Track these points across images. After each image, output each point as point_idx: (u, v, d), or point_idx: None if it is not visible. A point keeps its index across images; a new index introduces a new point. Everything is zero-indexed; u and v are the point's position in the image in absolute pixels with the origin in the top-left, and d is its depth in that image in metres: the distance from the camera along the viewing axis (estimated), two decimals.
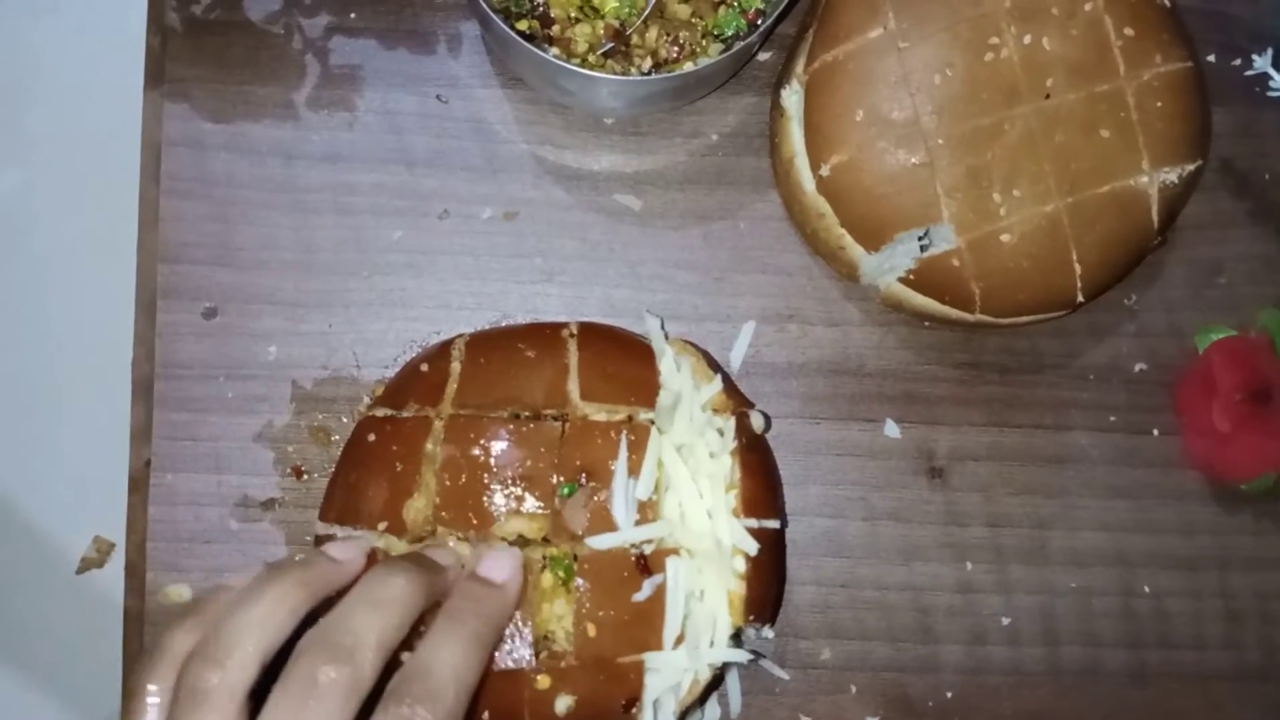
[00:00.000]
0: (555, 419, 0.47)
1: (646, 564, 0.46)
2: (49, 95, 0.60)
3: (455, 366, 0.50)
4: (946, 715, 0.55)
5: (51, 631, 0.58)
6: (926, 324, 0.56)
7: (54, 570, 0.58)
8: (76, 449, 0.58)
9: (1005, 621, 0.56)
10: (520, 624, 0.45)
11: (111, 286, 0.56)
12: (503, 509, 0.46)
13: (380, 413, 0.49)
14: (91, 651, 0.57)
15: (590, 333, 0.51)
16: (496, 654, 0.45)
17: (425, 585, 0.42)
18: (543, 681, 0.45)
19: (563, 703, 0.45)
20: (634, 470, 0.46)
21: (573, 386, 0.48)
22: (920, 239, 0.52)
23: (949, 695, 0.55)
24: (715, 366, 0.52)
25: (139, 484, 0.54)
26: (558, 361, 0.49)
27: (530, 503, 0.46)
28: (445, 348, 0.51)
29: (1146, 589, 0.56)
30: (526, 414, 0.48)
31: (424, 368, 0.50)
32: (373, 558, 0.45)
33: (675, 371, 0.49)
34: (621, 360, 0.50)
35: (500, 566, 0.45)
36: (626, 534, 0.46)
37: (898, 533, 0.56)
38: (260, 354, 0.55)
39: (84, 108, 0.59)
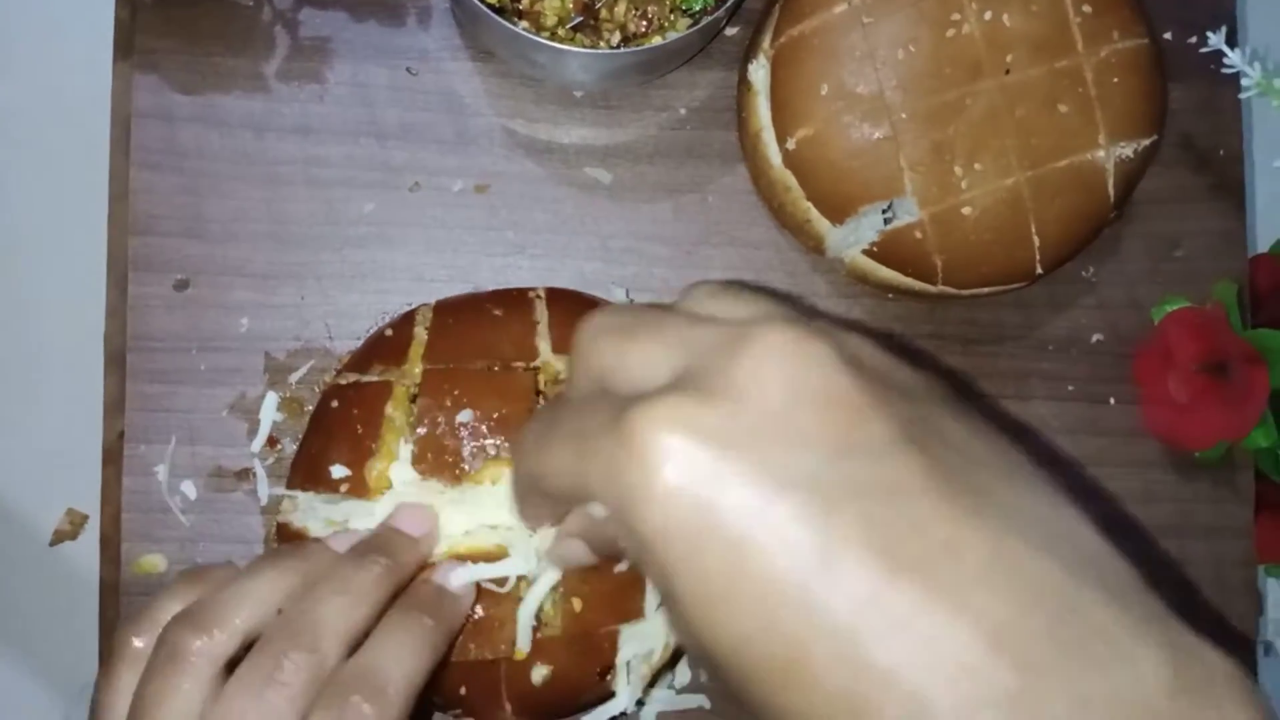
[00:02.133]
0: (527, 369, 0.48)
1: None
2: (17, 68, 0.59)
3: (419, 331, 0.50)
4: None
5: (25, 604, 0.59)
6: (891, 296, 0.57)
7: (27, 543, 0.59)
8: (48, 422, 0.59)
9: None
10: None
11: (82, 259, 0.56)
12: (481, 456, 0.46)
13: (344, 380, 0.50)
14: (65, 623, 0.57)
15: (558, 294, 0.52)
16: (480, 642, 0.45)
17: (396, 572, 0.43)
18: (520, 653, 0.46)
19: (539, 673, 0.46)
20: None
21: (543, 342, 0.49)
22: (884, 212, 0.53)
23: None
24: None
25: (113, 455, 0.55)
26: (526, 319, 0.50)
27: (508, 448, 0.46)
28: (410, 314, 0.52)
29: None
30: (497, 367, 0.48)
31: (388, 333, 0.51)
32: None
33: None
34: None
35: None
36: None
37: None
38: (232, 326, 0.55)
39: (52, 80, 0.59)
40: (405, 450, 0.47)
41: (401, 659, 0.40)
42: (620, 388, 0.29)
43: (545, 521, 0.37)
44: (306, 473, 0.49)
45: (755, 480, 0.25)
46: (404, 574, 0.43)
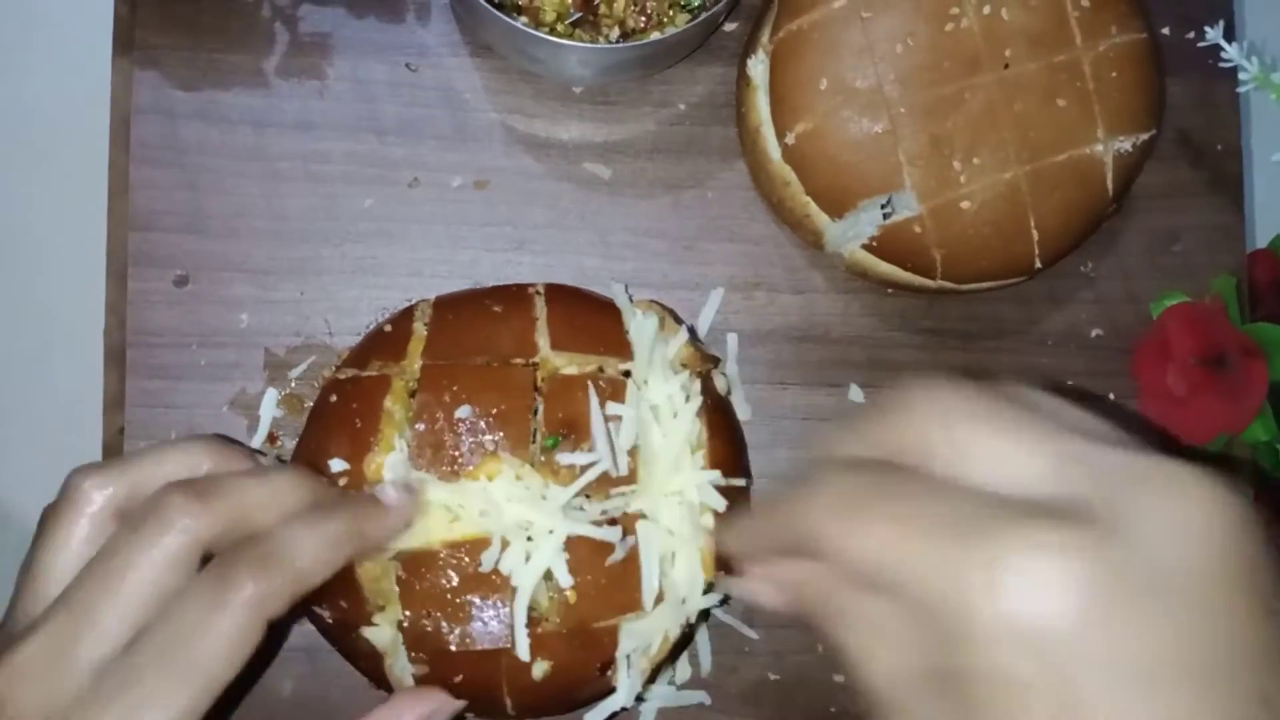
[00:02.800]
0: (526, 365, 0.48)
1: (619, 527, 0.46)
2: (17, 63, 0.60)
3: (418, 326, 0.50)
4: None
5: None
6: (890, 291, 0.58)
7: (25, 539, 0.59)
8: (48, 417, 0.59)
9: None
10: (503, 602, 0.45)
11: (82, 255, 0.56)
12: (478, 452, 0.46)
13: (343, 375, 0.50)
14: None
15: (557, 290, 0.52)
16: (479, 629, 0.45)
17: (368, 535, 0.43)
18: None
19: (539, 668, 0.46)
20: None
21: (541, 338, 0.49)
22: (883, 206, 0.53)
23: None
24: (680, 323, 0.53)
25: (112, 451, 0.55)
26: (525, 315, 0.50)
27: (505, 444, 0.46)
28: (409, 310, 0.52)
29: None
30: (496, 363, 0.48)
31: (387, 329, 0.51)
32: None
33: (642, 322, 0.50)
34: (589, 314, 0.51)
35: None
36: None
37: None
38: (232, 321, 0.55)
39: (53, 76, 0.59)
40: (402, 444, 0.47)
41: (305, 546, 0.41)
42: (961, 474, 0.26)
43: (755, 558, 0.35)
44: (306, 466, 0.49)
45: (1137, 662, 0.22)
46: (366, 534, 0.44)
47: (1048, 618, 0.22)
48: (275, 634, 0.40)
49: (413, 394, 0.48)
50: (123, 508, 0.42)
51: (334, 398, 0.49)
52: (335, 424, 0.48)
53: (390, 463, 0.47)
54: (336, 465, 0.47)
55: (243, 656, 0.38)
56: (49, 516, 0.42)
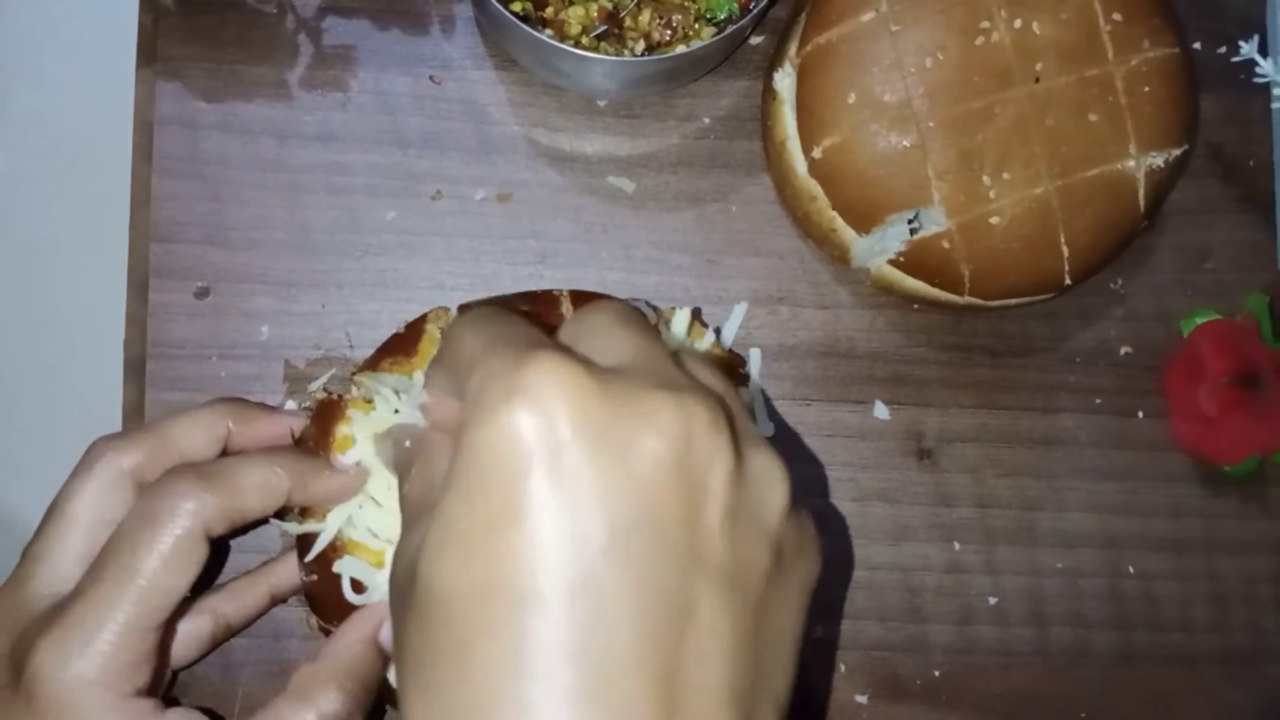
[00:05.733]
0: None
1: None
2: (40, 74, 0.59)
3: (432, 328, 0.50)
4: (935, 694, 0.56)
5: None
6: (916, 307, 0.57)
7: None
8: (67, 429, 0.58)
9: (993, 602, 0.56)
10: None
11: (103, 266, 0.56)
12: None
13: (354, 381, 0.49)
14: None
15: (583, 294, 0.52)
16: None
17: (310, 487, 0.44)
18: None
19: None
20: None
21: None
22: (911, 222, 0.52)
23: (937, 674, 0.56)
24: (706, 326, 0.52)
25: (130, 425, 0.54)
26: (554, 313, 0.49)
27: None
28: (423, 315, 0.51)
29: (1133, 570, 0.57)
30: None
31: (400, 331, 0.51)
32: None
33: (668, 327, 0.49)
34: None
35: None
36: None
37: (887, 513, 0.56)
38: (253, 334, 0.55)
39: (75, 87, 0.59)
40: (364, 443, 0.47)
41: (247, 469, 0.42)
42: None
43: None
44: None
45: (578, 485, 0.25)
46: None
47: (535, 428, 0.25)
48: (217, 557, 0.42)
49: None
50: (138, 472, 0.44)
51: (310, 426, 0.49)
52: (299, 446, 0.48)
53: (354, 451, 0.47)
54: None
55: (186, 570, 0.40)
56: (66, 483, 0.45)
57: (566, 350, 0.27)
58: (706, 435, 0.26)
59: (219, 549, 0.41)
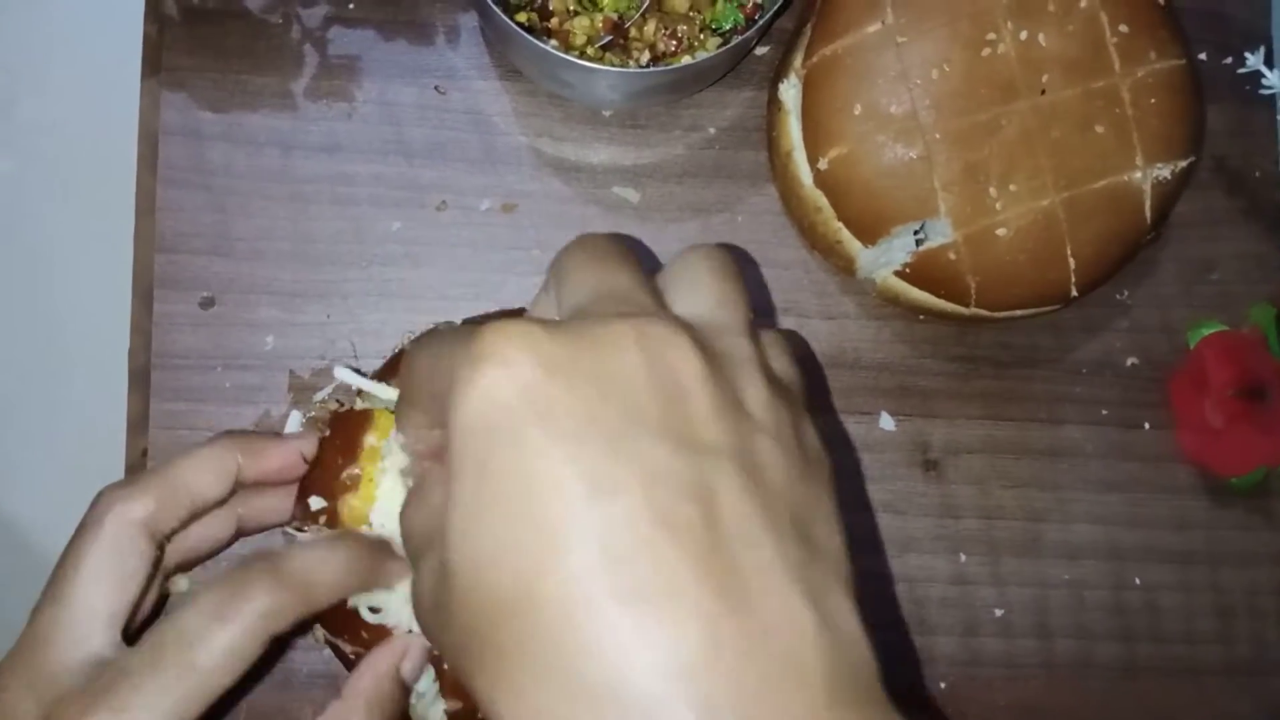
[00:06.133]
0: None
1: None
2: (44, 83, 0.59)
3: None
4: (941, 706, 0.55)
5: None
6: (922, 318, 0.57)
7: (48, 562, 0.58)
8: (71, 439, 0.58)
9: (998, 613, 0.56)
10: None
11: (108, 276, 0.56)
12: None
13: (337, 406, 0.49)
14: None
15: None
16: None
17: (388, 570, 0.42)
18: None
19: None
20: None
21: None
22: (916, 233, 0.52)
23: (942, 686, 0.55)
24: None
25: (135, 473, 0.54)
26: None
27: None
28: (432, 329, 0.50)
29: (1138, 582, 0.57)
30: None
31: (405, 345, 0.50)
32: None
33: None
34: None
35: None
36: None
37: (893, 524, 0.56)
38: (257, 344, 0.55)
39: (80, 97, 0.59)
40: (390, 484, 0.46)
41: (321, 566, 0.40)
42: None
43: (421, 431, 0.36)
44: (296, 502, 0.47)
45: (565, 416, 0.25)
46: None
47: (509, 383, 0.26)
48: (275, 649, 0.40)
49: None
50: (150, 522, 0.42)
51: (327, 431, 0.48)
52: (320, 459, 0.47)
53: (380, 512, 0.45)
54: (315, 503, 0.46)
55: (241, 668, 0.38)
56: (77, 532, 0.43)
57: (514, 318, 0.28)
58: (664, 346, 0.27)
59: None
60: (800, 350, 0.57)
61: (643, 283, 0.30)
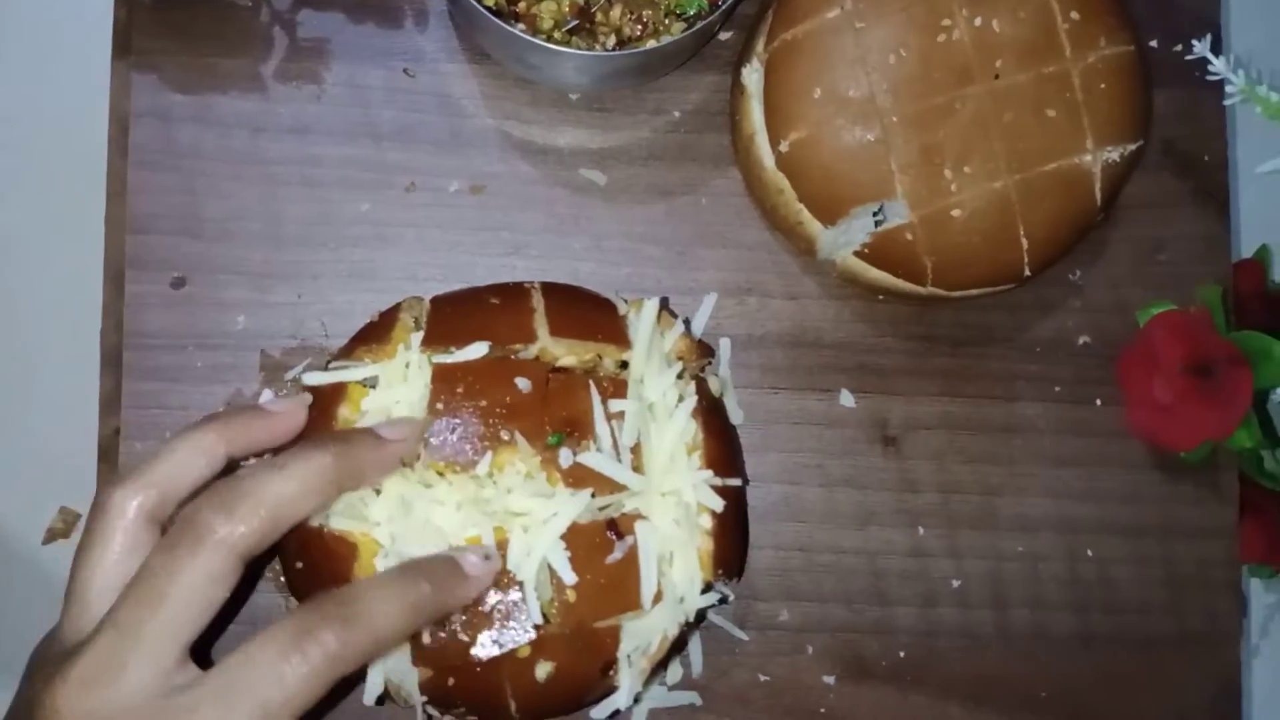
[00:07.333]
0: (534, 361, 0.48)
1: (617, 527, 0.47)
2: (14, 67, 0.60)
3: (405, 317, 0.50)
4: (900, 675, 0.57)
5: (17, 603, 0.58)
6: (881, 297, 0.58)
7: (19, 541, 0.59)
8: (43, 419, 0.59)
9: (955, 585, 0.58)
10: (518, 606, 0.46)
11: (79, 257, 0.57)
12: (491, 445, 0.46)
13: (330, 369, 0.50)
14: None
15: (553, 286, 0.53)
16: (490, 638, 0.45)
17: (346, 461, 0.43)
18: (523, 650, 0.46)
19: (542, 670, 0.46)
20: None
21: (540, 327, 0.49)
22: (875, 214, 0.54)
23: (902, 655, 0.57)
24: (675, 317, 0.53)
25: (108, 453, 0.55)
26: (524, 306, 0.50)
27: (519, 437, 0.47)
28: (397, 305, 0.51)
29: (1091, 554, 0.59)
30: (499, 355, 0.48)
31: (374, 319, 0.51)
32: None
33: (642, 310, 0.50)
34: (587, 307, 0.52)
35: (474, 564, 0.45)
36: (620, 474, 0.47)
37: (853, 499, 0.57)
38: (228, 324, 0.56)
39: (50, 79, 0.60)
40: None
41: (278, 489, 0.41)
42: None
43: None
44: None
45: None
46: (355, 466, 0.44)
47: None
48: (338, 691, 0.40)
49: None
50: (155, 513, 0.43)
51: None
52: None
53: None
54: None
55: (305, 708, 0.39)
56: (86, 533, 0.43)
57: None
58: None
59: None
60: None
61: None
